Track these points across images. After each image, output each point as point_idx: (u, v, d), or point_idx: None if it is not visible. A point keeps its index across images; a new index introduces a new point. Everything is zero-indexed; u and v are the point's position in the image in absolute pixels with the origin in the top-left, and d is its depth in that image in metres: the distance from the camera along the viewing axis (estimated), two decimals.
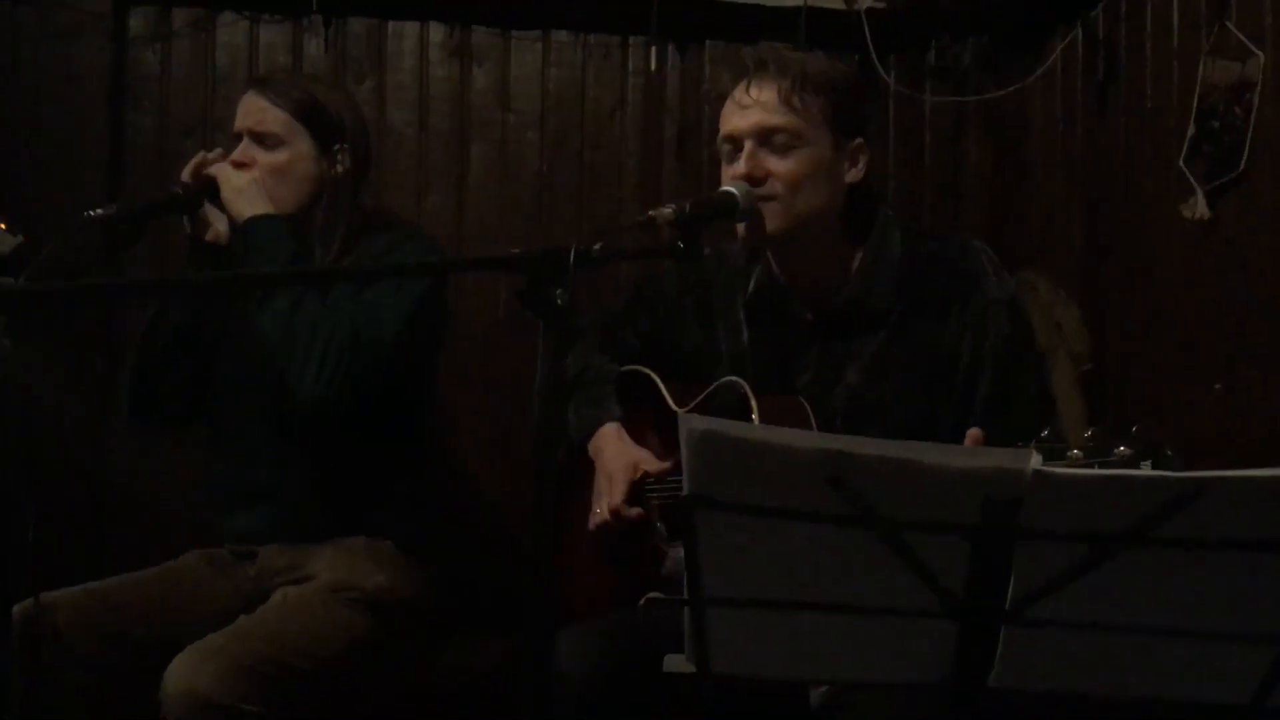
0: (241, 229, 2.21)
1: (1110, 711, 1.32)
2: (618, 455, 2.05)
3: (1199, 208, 2.60)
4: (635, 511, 2.02)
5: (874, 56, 3.08)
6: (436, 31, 3.17)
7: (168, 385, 2.35)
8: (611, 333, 2.25)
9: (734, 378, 1.98)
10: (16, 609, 2.07)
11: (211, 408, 2.40)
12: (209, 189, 2.24)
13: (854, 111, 1.98)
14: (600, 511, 2.03)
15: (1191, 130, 2.62)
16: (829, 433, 1.93)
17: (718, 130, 1.99)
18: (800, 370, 2.00)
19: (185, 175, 2.26)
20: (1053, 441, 1.25)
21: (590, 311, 2.30)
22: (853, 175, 1.98)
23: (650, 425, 2.11)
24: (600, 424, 2.10)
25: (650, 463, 2.02)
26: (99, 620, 2.13)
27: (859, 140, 1.98)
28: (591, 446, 2.10)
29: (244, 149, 2.28)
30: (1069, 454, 1.22)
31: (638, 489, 2.03)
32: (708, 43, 3.23)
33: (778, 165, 1.92)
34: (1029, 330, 2.03)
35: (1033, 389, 1.95)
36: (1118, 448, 1.20)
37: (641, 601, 1.97)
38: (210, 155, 2.27)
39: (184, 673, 1.94)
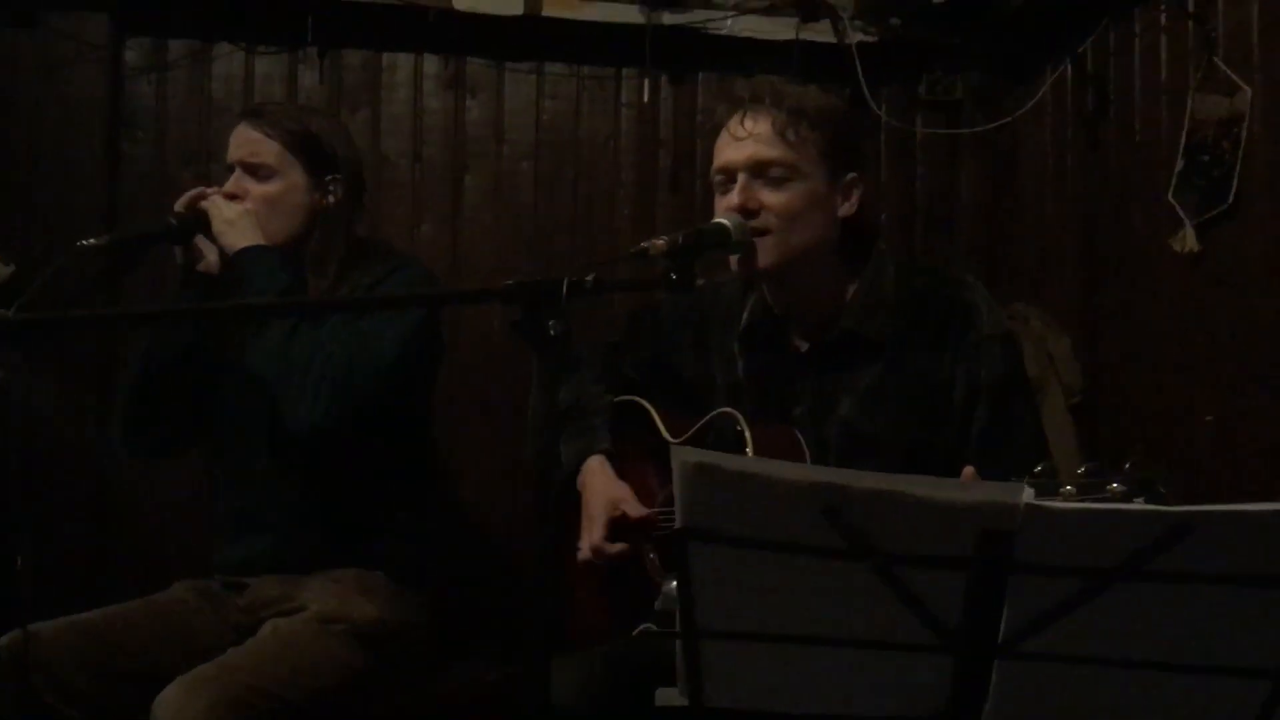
0: (233, 260, 2.21)
1: None
2: (598, 493, 2.06)
3: (1188, 241, 2.61)
4: (617, 548, 2.02)
5: (865, 90, 3.11)
6: (431, 63, 3.20)
7: (160, 414, 2.34)
8: (610, 363, 2.26)
9: (729, 409, 1.99)
10: (4, 640, 2.05)
11: (208, 437, 2.39)
12: (201, 221, 2.24)
13: (849, 146, 1.99)
14: (583, 550, 2.04)
15: (1180, 164, 2.64)
16: (822, 464, 1.93)
17: (711, 161, 2.00)
18: (795, 401, 2.00)
19: (179, 206, 2.26)
20: (1045, 477, 1.25)
21: (588, 342, 2.31)
22: (846, 209, 1.98)
23: (646, 456, 2.11)
24: (585, 457, 2.11)
25: (630, 504, 2.03)
26: (87, 653, 2.11)
27: (853, 175, 1.98)
28: (579, 480, 2.11)
29: (236, 180, 2.29)
30: (1062, 490, 1.22)
31: (618, 525, 2.03)
32: (701, 74, 3.26)
33: (771, 198, 1.92)
34: (1022, 366, 2.04)
35: (1026, 424, 1.95)
36: (1110, 484, 1.20)
37: (634, 633, 1.97)
38: (209, 190, 2.27)
39: (173, 704, 1.92)
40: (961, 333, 1.93)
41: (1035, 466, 1.80)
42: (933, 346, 1.94)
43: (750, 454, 1.88)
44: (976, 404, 1.92)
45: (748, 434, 1.91)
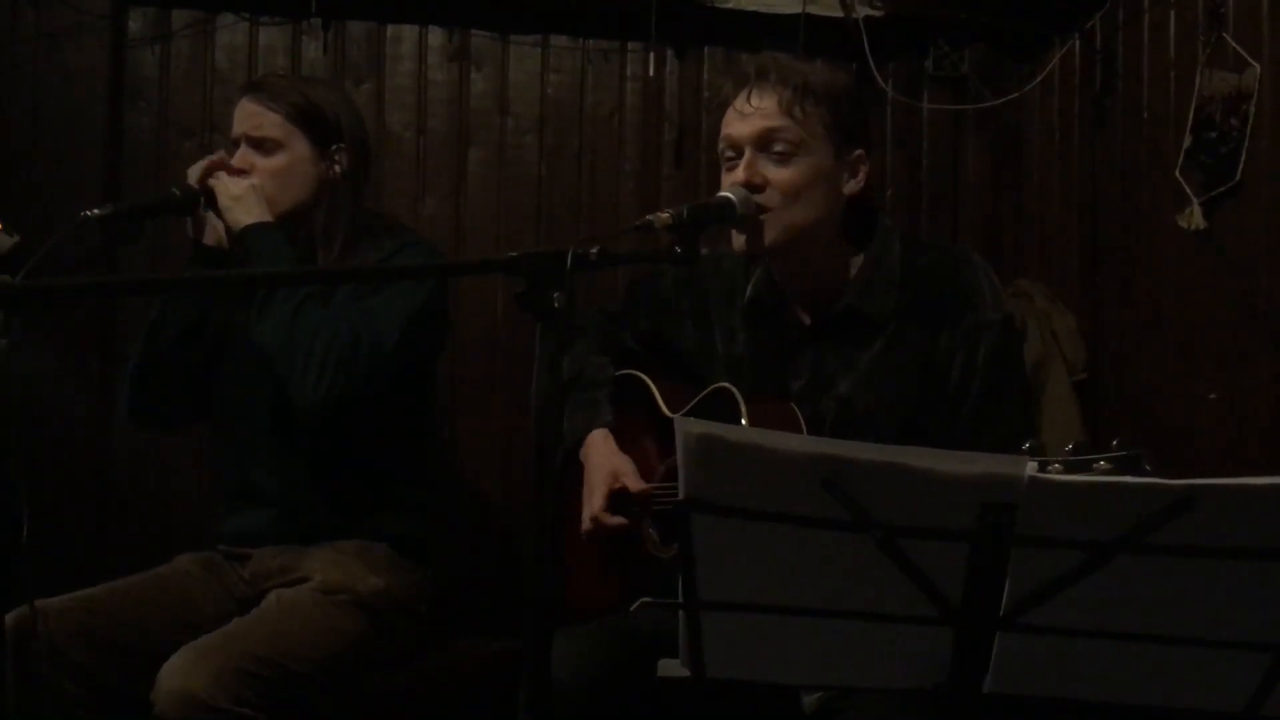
0: (239, 237, 2.21)
1: (1104, 718, 1.32)
2: (599, 465, 2.06)
3: (1195, 218, 2.60)
4: (616, 521, 2.03)
5: (872, 64, 3.09)
6: (435, 35, 3.18)
7: (168, 388, 2.35)
8: (610, 334, 2.26)
9: (725, 384, 1.99)
10: (10, 617, 2.04)
11: (214, 410, 2.40)
12: (208, 197, 2.24)
13: (855, 122, 1.97)
14: (584, 521, 2.05)
15: (1188, 141, 2.63)
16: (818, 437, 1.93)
17: (716, 135, 1.99)
18: (795, 375, 2.00)
19: (192, 179, 2.25)
20: (1033, 456, 1.25)
21: (589, 313, 2.31)
22: (851, 186, 1.97)
23: (645, 429, 2.11)
24: (589, 430, 2.11)
25: (630, 477, 2.03)
26: (92, 628, 2.11)
27: (859, 151, 1.97)
28: (581, 453, 2.11)
29: (242, 155, 2.28)
30: (1048, 468, 1.22)
31: (618, 497, 2.03)
32: (706, 49, 3.24)
33: (777, 174, 1.91)
34: (1019, 349, 2.03)
35: (1015, 402, 1.94)
36: (1096, 462, 1.20)
37: (634, 606, 1.97)
38: (215, 158, 2.26)
39: (178, 674, 1.93)
40: (962, 315, 1.92)
41: (1018, 440, 1.78)
42: (933, 326, 1.93)
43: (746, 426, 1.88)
44: (971, 384, 1.91)
45: (744, 408, 1.92)
